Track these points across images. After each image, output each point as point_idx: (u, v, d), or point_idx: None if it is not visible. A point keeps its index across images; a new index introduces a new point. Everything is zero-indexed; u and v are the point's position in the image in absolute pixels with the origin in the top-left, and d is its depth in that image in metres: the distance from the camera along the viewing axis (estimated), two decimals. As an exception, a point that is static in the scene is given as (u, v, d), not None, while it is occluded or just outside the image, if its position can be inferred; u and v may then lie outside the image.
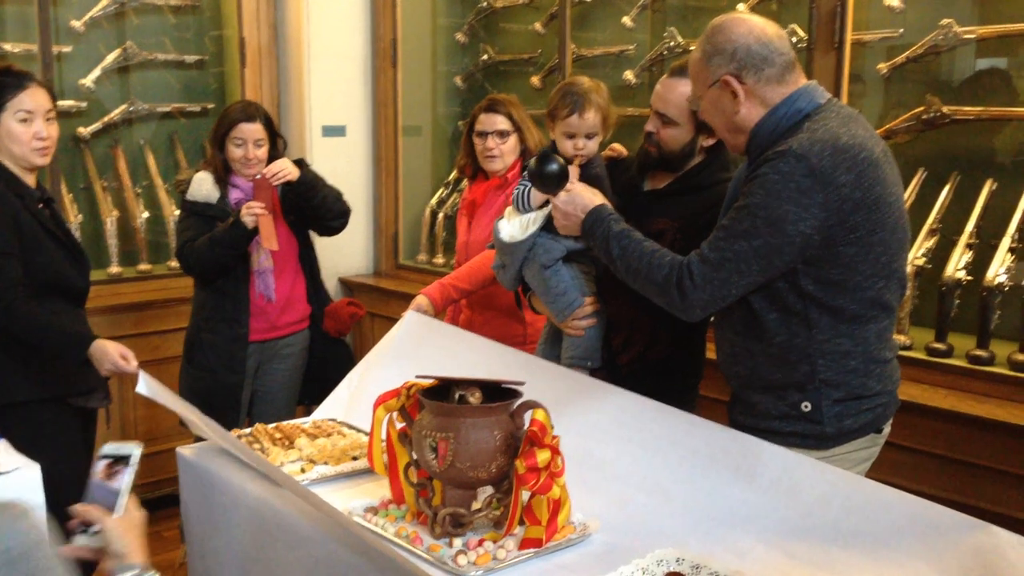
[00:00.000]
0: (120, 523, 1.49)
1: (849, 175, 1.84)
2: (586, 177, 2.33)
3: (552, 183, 2.20)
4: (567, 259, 2.37)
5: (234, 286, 3.25)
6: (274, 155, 3.30)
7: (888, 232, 1.91)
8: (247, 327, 3.26)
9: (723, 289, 1.93)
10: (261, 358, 3.36)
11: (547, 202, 2.31)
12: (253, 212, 3.11)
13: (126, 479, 1.52)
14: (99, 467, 1.54)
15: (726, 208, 2.03)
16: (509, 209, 2.43)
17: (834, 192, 1.83)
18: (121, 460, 1.53)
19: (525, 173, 2.40)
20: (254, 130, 3.22)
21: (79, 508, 1.51)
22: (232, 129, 3.21)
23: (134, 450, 1.53)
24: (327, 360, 3.47)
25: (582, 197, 2.19)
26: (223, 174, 3.27)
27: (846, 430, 1.96)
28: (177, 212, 3.76)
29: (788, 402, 1.98)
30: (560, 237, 2.33)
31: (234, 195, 3.28)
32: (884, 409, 2.01)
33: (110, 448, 1.56)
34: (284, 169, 3.20)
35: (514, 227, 2.36)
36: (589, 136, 2.39)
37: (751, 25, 1.95)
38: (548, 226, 2.34)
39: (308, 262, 3.44)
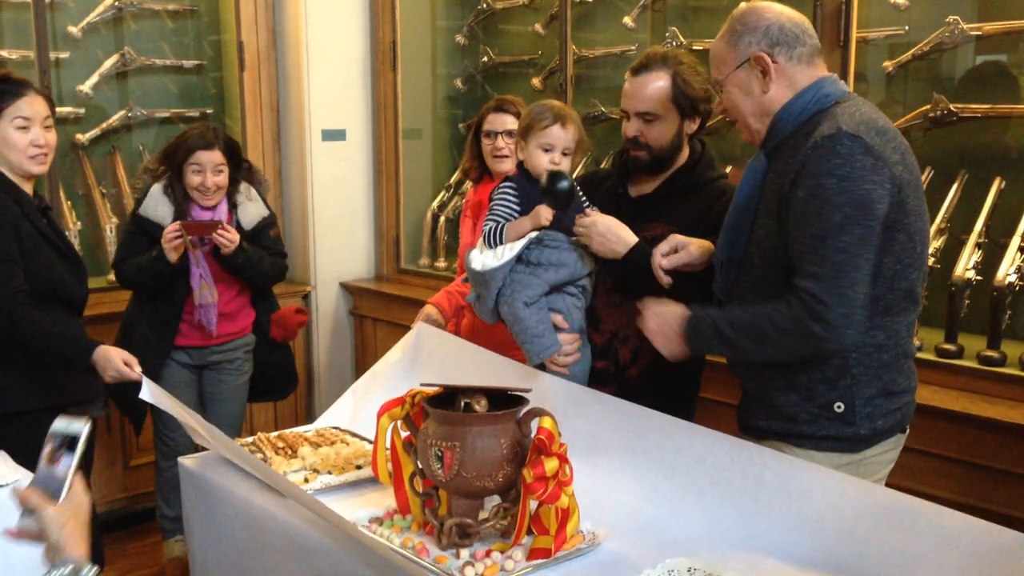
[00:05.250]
0: (59, 512, 1.34)
1: (895, 154, 1.82)
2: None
3: (563, 200, 2.17)
4: (557, 290, 2.29)
5: (168, 306, 3.24)
6: (235, 177, 3.27)
7: (923, 221, 1.90)
8: (172, 342, 3.26)
9: (853, 292, 1.79)
10: (204, 360, 3.35)
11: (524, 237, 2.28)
12: (170, 240, 3.07)
13: (71, 463, 1.36)
14: (45, 449, 1.38)
15: (767, 207, 1.93)
16: (480, 241, 2.38)
17: (888, 170, 1.80)
18: (68, 440, 1.37)
19: (492, 205, 2.35)
20: (212, 157, 3.18)
21: (19, 492, 1.36)
22: (190, 156, 3.16)
23: (82, 428, 1.36)
24: (271, 365, 3.50)
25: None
26: (182, 200, 3.22)
27: (878, 431, 1.92)
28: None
29: (819, 403, 1.92)
30: (540, 272, 2.26)
31: None
32: (908, 407, 1.99)
33: (60, 424, 1.38)
34: (228, 239, 3.14)
35: (487, 256, 2.30)
36: (566, 152, 2.31)
37: (781, 8, 1.96)
38: (525, 260, 2.28)
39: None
